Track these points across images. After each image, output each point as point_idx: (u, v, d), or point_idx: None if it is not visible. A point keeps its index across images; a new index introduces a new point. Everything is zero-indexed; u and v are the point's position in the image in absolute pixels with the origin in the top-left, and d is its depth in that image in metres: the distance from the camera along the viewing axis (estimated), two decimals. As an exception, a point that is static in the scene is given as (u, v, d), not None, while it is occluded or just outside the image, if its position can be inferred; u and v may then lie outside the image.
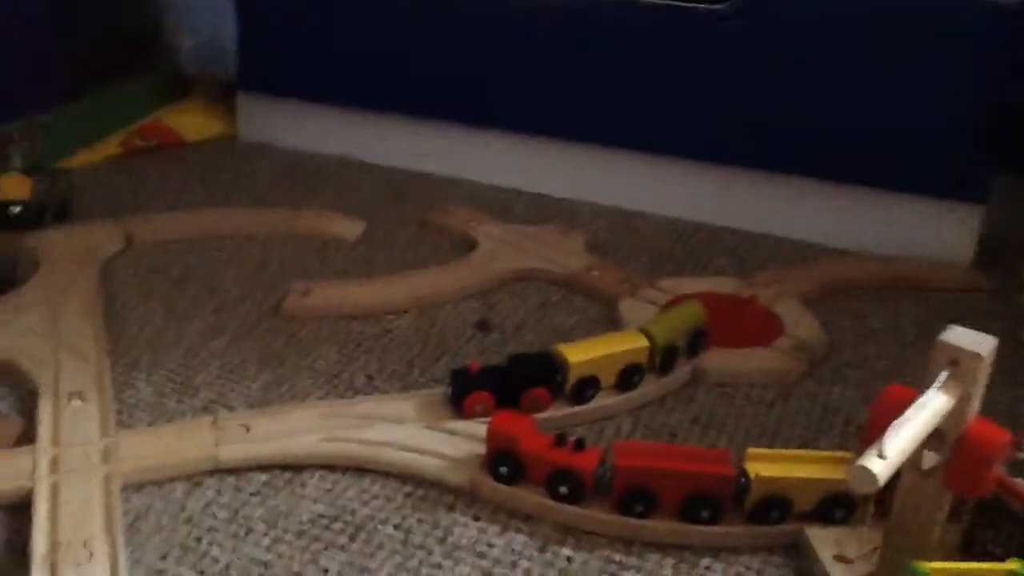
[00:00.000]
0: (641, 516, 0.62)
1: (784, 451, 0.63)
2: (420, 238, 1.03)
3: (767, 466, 0.61)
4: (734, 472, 0.61)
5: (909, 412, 0.47)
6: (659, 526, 0.61)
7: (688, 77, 1.02)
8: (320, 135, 1.23)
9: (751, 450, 0.63)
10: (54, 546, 0.58)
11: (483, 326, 0.87)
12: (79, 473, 0.64)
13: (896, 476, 0.53)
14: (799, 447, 0.71)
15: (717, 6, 0.98)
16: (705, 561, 0.61)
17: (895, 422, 0.46)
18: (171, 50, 1.24)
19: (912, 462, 0.52)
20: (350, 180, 1.16)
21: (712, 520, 0.61)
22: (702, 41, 1.00)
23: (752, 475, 0.61)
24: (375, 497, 0.66)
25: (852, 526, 0.61)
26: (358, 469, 0.68)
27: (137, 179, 1.15)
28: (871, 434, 0.52)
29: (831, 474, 0.61)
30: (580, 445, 0.63)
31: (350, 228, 1.03)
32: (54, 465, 0.65)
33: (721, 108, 1.01)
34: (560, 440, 0.64)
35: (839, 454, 0.62)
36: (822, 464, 0.62)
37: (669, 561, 0.61)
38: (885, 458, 0.44)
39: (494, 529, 0.63)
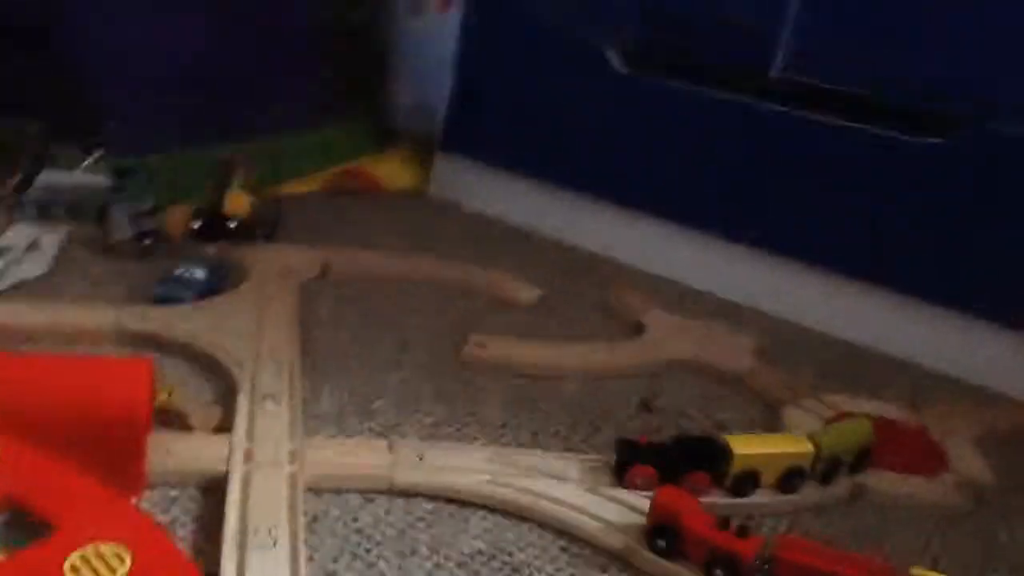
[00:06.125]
0: (795, 614, 0.62)
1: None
2: (591, 314, 1.07)
3: (931, 588, 0.61)
4: (897, 588, 0.61)
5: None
6: (813, 627, 0.62)
7: (888, 204, 1.03)
8: (507, 203, 1.29)
9: (916, 569, 0.62)
10: (243, 529, 0.63)
11: (646, 406, 0.89)
12: (269, 467, 0.69)
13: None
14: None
15: (931, 140, 0.99)
16: (854, 672, 0.61)
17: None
18: (385, 104, 1.33)
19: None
20: (530, 250, 1.22)
21: (867, 632, 0.61)
22: (913, 172, 1.01)
23: (915, 595, 0.61)
24: (532, 545, 0.68)
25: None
26: (518, 516, 0.71)
27: (336, 215, 1.24)
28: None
29: (996, 611, 0.60)
30: (743, 531, 0.64)
31: (528, 293, 1.07)
32: (248, 456, 0.70)
33: (914, 237, 1.02)
34: (724, 523, 0.65)
35: (1007, 593, 0.61)
36: (988, 600, 0.61)
37: (817, 665, 0.61)
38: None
39: (645, 598, 0.65)
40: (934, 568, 0.70)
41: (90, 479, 0.56)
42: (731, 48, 1.09)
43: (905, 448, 0.84)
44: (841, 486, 0.78)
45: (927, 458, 0.83)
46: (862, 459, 0.79)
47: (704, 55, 1.12)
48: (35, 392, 0.63)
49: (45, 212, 1.05)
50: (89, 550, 0.48)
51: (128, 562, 0.48)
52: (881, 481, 0.79)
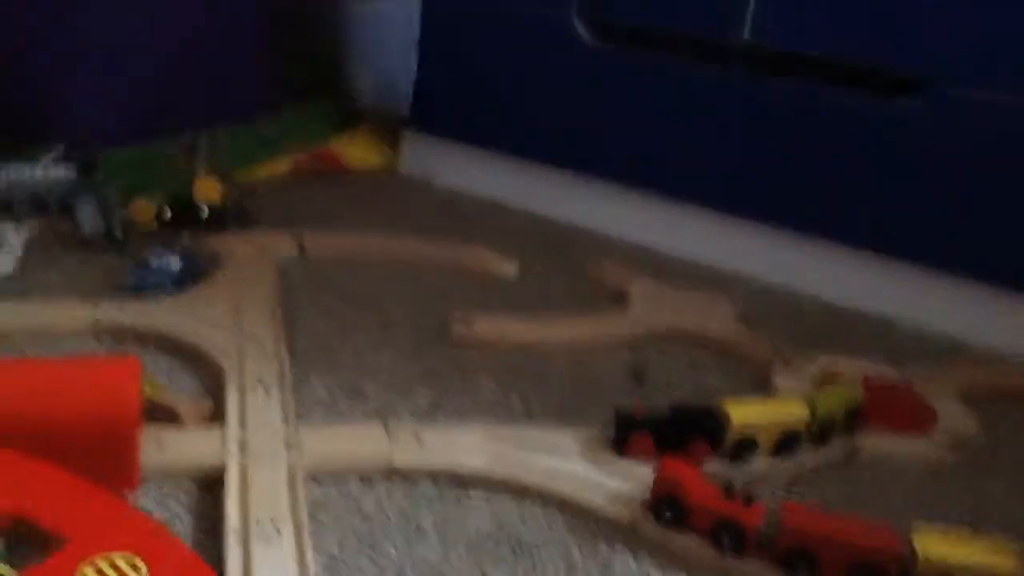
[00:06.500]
0: (804, 577, 0.62)
1: (952, 532, 0.63)
2: (572, 286, 1.06)
3: (935, 545, 0.62)
4: (902, 548, 0.61)
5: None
6: (823, 590, 0.62)
7: (861, 165, 1.03)
8: (478, 178, 1.28)
9: (918, 526, 0.63)
10: (245, 522, 0.61)
11: (636, 376, 0.89)
12: (266, 457, 0.68)
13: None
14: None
15: (901, 100, 1.00)
16: (865, 631, 0.61)
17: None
18: (349, 83, 1.31)
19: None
20: (505, 224, 1.21)
21: (876, 592, 0.62)
22: (885, 133, 1.01)
23: (920, 553, 0.61)
24: (537, 521, 0.68)
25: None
26: (521, 492, 0.70)
27: (305, 197, 1.22)
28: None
29: (999, 561, 0.61)
30: (748, 499, 0.65)
31: (508, 267, 1.06)
32: (243, 447, 0.69)
33: (887, 196, 1.03)
34: (728, 492, 0.65)
35: (1008, 544, 0.62)
36: (991, 551, 0.62)
37: (828, 626, 0.61)
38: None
39: (655, 569, 0.64)
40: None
41: (95, 487, 0.54)
42: (698, 15, 1.09)
43: (894, 407, 0.85)
44: (836, 449, 0.78)
45: (916, 416, 0.84)
46: (852, 420, 0.80)
47: (672, 23, 1.11)
48: (23, 398, 0.61)
49: (7, 209, 1.01)
50: (103, 561, 0.47)
51: (144, 571, 0.47)
52: (873, 442, 0.80)
